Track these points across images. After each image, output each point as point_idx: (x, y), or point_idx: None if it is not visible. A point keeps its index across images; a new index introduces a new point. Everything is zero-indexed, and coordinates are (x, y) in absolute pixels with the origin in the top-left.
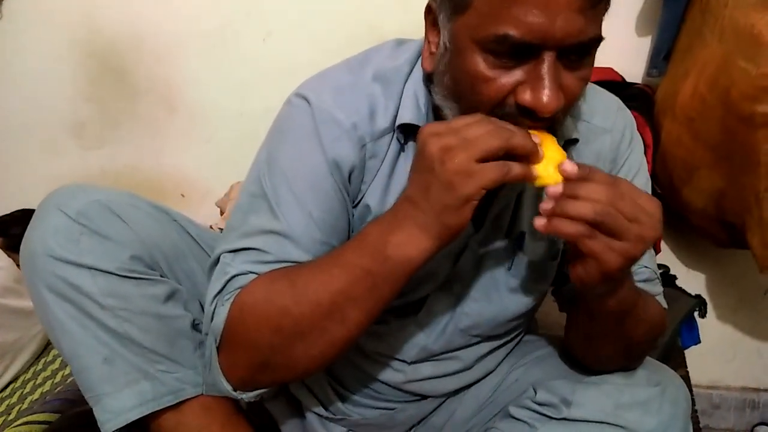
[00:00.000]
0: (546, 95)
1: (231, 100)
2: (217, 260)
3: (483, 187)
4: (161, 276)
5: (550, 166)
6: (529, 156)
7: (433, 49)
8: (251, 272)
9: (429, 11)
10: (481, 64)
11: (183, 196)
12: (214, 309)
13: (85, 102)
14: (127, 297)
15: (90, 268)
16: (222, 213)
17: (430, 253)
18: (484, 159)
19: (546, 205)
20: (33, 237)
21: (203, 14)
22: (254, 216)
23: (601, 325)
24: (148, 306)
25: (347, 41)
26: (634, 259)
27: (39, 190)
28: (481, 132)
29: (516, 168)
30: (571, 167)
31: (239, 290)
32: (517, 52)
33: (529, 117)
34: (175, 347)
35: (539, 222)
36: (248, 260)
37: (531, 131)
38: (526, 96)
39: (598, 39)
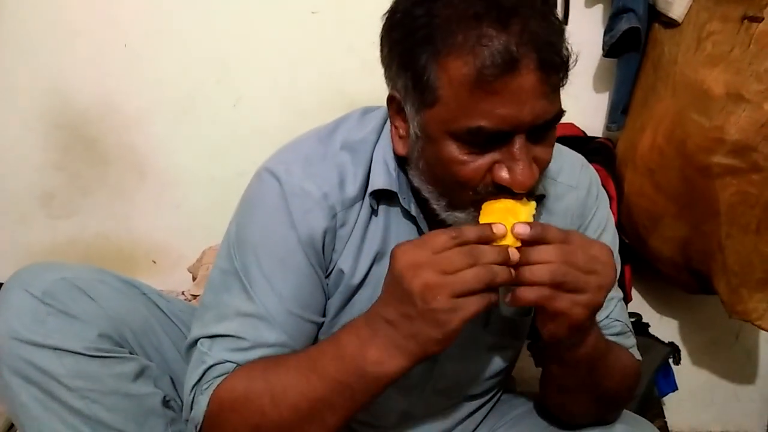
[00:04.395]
0: (522, 174)
1: (202, 165)
2: (193, 344)
3: (466, 320)
4: (130, 353)
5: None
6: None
7: (402, 134)
8: (228, 361)
9: (392, 100)
10: (455, 151)
11: (154, 262)
12: (193, 399)
13: (54, 171)
14: (95, 377)
15: (56, 349)
16: (194, 279)
17: (407, 370)
18: (466, 294)
19: None
20: None
21: (173, 82)
22: (227, 295)
23: (573, 375)
24: (117, 385)
25: (318, 105)
26: (598, 308)
27: (7, 261)
28: (460, 264)
29: (495, 296)
30: (522, 228)
31: (218, 380)
32: (490, 140)
33: (507, 193)
34: (146, 426)
35: (506, 298)
36: (225, 348)
37: (512, 200)
38: (503, 175)
39: (562, 113)
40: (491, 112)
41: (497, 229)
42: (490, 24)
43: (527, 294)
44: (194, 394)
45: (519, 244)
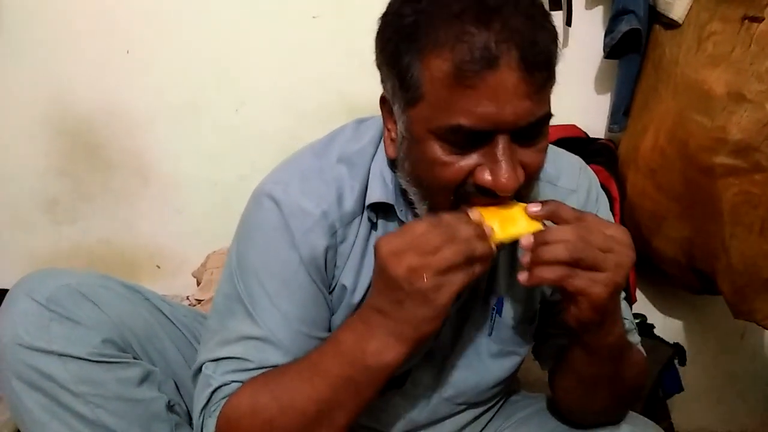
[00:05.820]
0: (504, 176)
1: (204, 169)
2: (200, 369)
3: (454, 294)
4: (134, 358)
5: (522, 221)
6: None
7: (393, 136)
8: (234, 381)
9: (384, 101)
10: (438, 151)
11: (158, 267)
12: (203, 422)
13: (57, 177)
14: (100, 382)
15: (61, 354)
16: (198, 283)
17: (407, 356)
18: (449, 271)
19: (524, 258)
20: (2, 326)
21: (175, 87)
22: (232, 320)
23: (598, 365)
24: (122, 390)
25: (318, 110)
26: (618, 287)
27: (11, 267)
28: (438, 244)
29: (477, 268)
30: (535, 207)
31: (224, 401)
32: (471, 139)
33: (489, 196)
34: (150, 431)
35: (522, 276)
36: (230, 369)
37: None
38: (485, 177)
39: (548, 116)
40: (471, 110)
41: (472, 215)
42: (471, 22)
43: (545, 273)
44: (203, 418)
45: (532, 229)
